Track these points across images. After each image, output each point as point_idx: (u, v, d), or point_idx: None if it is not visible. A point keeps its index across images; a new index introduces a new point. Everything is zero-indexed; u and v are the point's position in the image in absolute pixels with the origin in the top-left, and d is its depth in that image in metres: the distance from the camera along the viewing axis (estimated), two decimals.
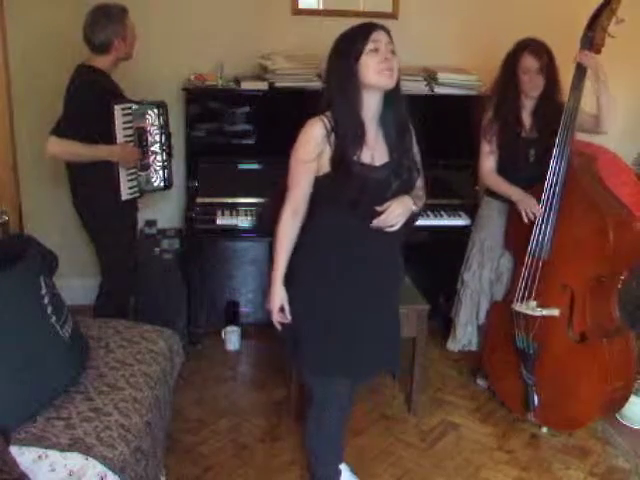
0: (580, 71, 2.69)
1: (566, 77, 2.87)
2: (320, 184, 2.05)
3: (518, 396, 2.90)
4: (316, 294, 2.14)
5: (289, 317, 2.14)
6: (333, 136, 2.00)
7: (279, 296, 2.13)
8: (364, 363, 2.25)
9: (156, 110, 3.03)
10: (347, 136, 1.99)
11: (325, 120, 2.01)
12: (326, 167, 2.02)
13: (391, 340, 2.30)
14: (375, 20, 2.05)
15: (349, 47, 1.98)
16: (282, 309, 2.15)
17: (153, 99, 3.07)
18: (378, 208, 2.04)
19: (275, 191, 2.19)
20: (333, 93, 2.01)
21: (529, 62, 2.82)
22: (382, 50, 1.97)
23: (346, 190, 2.00)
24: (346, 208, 2.02)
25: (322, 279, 2.13)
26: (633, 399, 2.86)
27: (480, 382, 3.30)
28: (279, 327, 2.17)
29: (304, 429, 2.39)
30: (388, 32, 2.02)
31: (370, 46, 1.96)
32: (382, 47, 1.97)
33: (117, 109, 2.83)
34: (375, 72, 1.96)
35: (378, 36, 1.98)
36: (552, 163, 2.70)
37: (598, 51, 2.67)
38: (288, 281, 2.14)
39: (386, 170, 2.07)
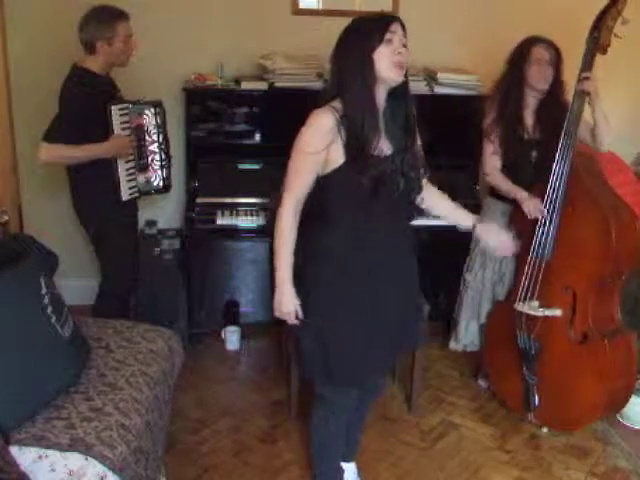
0: (581, 93, 2.68)
1: (568, 77, 2.87)
2: (331, 180, 1.98)
3: (519, 396, 2.90)
4: (344, 301, 2.07)
5: (301, 315, 2.08)
6: (342, 128, 1.93)
7: (292, 299, 2.05)
8: (389, 356, 2.25)
9: (153, 110, 3.03)
10: (364, 127, 1.93)
11: (333, 110, 1.93)
12: (337, 161, 1.96)
13: (413, 323, 2.28)
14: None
15: (365, 38, 1.93)
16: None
17: (150, 99, 3.07)
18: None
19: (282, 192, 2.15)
20: (346, 84, 1.94)
21: (541, 52, 2.81)
22: (396, 42, 1.94)
23: (364, 176, 1.93)
24: (365, 196, 1.95)
25: (347, 284, 2.06)
26: (633, 399, 2.86)
27: (481, 382, 3.30)
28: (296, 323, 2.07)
29: (308, 426, 2.38)
30: (403, 25, 1.98)
31: (387, 36, 1.92)
32: (396, 39, 1.94)
33: (114, 109, 2.83)
34: (388, 65, 1.92)
35: (394, 27, 1.94)
36: (555, 165, 2.69)
37: (604, 51, 2.66)
38: (308, 294, 2.08)
39: (391, 162, 2.03)
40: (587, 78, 2.66)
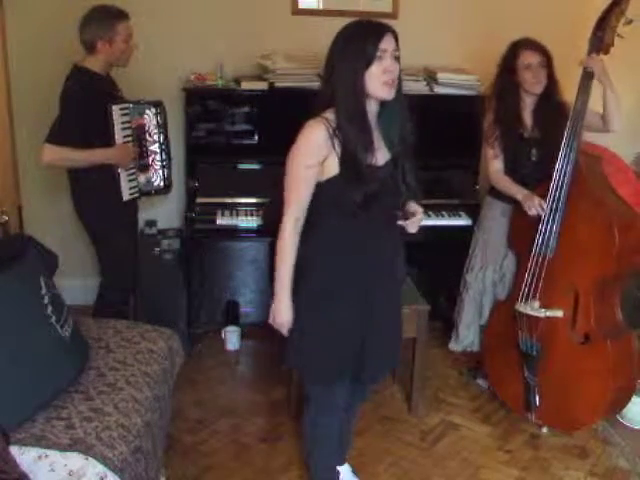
0: (587, 75, 2.67)
1: (566, 77, 2.87)
2: (326, 189, 1.99)
3: (519, 396, 2.89)
4: (329, 304, 2.08)
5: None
6: (337, 140, 1.94)
7: (288, 310, 2.06)
8: (374, 366, 2.24)
9: (153, 109, 3.03)
10: (358, 143, 1.94)
11: (326, 122, 1.94)
12: (332, 171, 1.97)
13: (396, 340, 2.31)
14: (382, 20, 1.97)
15: (358, 53, 1.91)
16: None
17: (151, 99, 3.07)
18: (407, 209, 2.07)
19: (279, 191, 2.16)
20: (338, 98, 1.94)
21: (530, 57, 2.81)
22: (387, 59, 1.92)
23: (356, 192, 1.95)
24: (355, 209, 1.96)
25: (332, 290, 2.07)
26: (633, 399, 2.86)
27: (480, 382, 3.30)
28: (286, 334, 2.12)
29: (301, 430, 2.40)
30: (396, 36, 1.96)
31: (378, 54, 1.90)
32: (387, 56, 1.92)
33: (115, 109, 2.82)
34: (377, 84, 1.92)
35: (386, 44, 1.91)
36: (559, 163, 2.68)
37: (607, 51, 2.65)
38: (295, 295, 2.08)
39: (388, 170, 2.05)
40: (592, 58, 2.63)
